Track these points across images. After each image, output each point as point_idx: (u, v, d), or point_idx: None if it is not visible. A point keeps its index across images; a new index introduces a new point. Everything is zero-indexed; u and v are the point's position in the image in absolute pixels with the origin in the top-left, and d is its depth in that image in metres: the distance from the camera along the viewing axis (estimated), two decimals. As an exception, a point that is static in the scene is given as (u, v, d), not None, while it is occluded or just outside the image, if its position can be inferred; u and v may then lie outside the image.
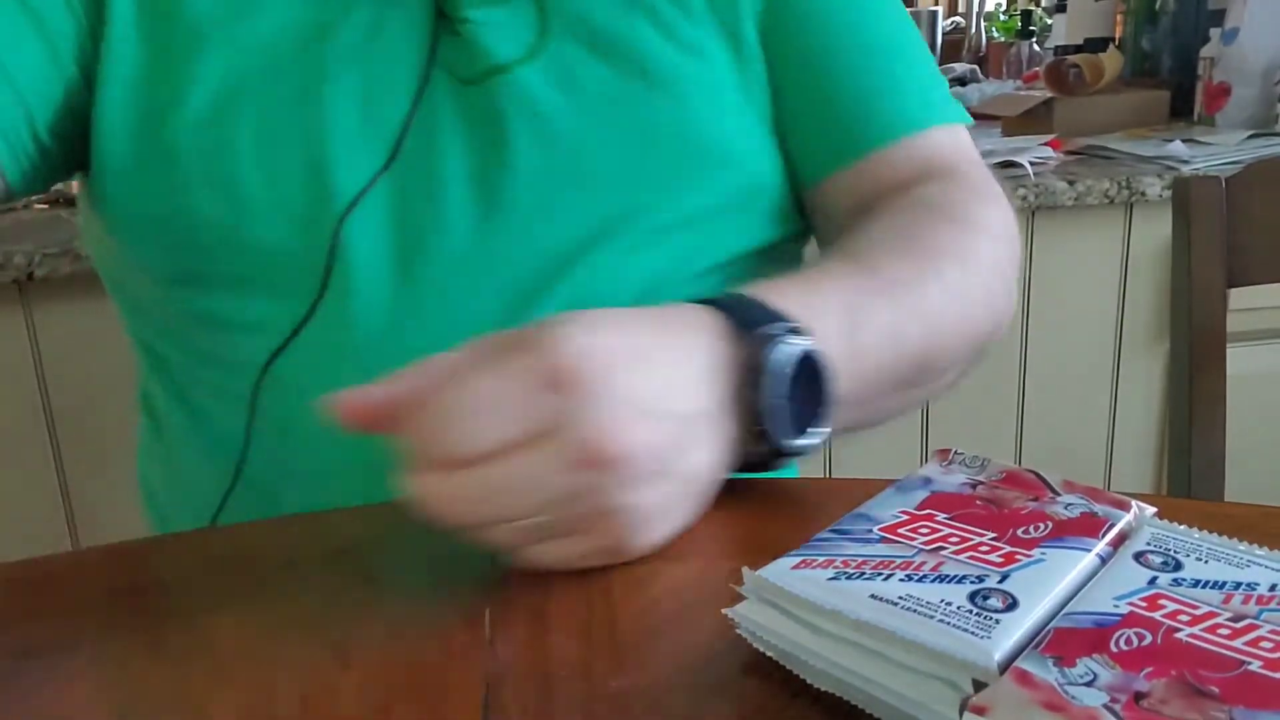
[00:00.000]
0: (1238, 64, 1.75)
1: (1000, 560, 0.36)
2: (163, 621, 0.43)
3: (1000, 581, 0.34)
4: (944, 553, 0.37)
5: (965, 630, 0.32)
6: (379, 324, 0.61)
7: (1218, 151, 1.56)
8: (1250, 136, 1.64)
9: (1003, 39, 2.53)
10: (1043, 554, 0.36)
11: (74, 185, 0.78)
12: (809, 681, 0.35)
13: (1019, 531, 0.38)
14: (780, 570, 0.37)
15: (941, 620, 0.32)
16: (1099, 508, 0.39)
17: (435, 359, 0.43)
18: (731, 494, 0.49)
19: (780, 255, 0.71)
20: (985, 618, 0.32)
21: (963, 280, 0.60)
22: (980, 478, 0.42)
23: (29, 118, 0.61)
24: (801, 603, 0.35)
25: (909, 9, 2.49)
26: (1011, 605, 0.33)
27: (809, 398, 0.48)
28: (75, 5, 0.62)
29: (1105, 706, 0.29)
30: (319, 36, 0.62)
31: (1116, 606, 0.33)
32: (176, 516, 0.71)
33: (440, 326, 0.58)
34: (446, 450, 0.40)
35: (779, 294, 0.50)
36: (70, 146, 0.64)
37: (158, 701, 0.38)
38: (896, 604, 0.34)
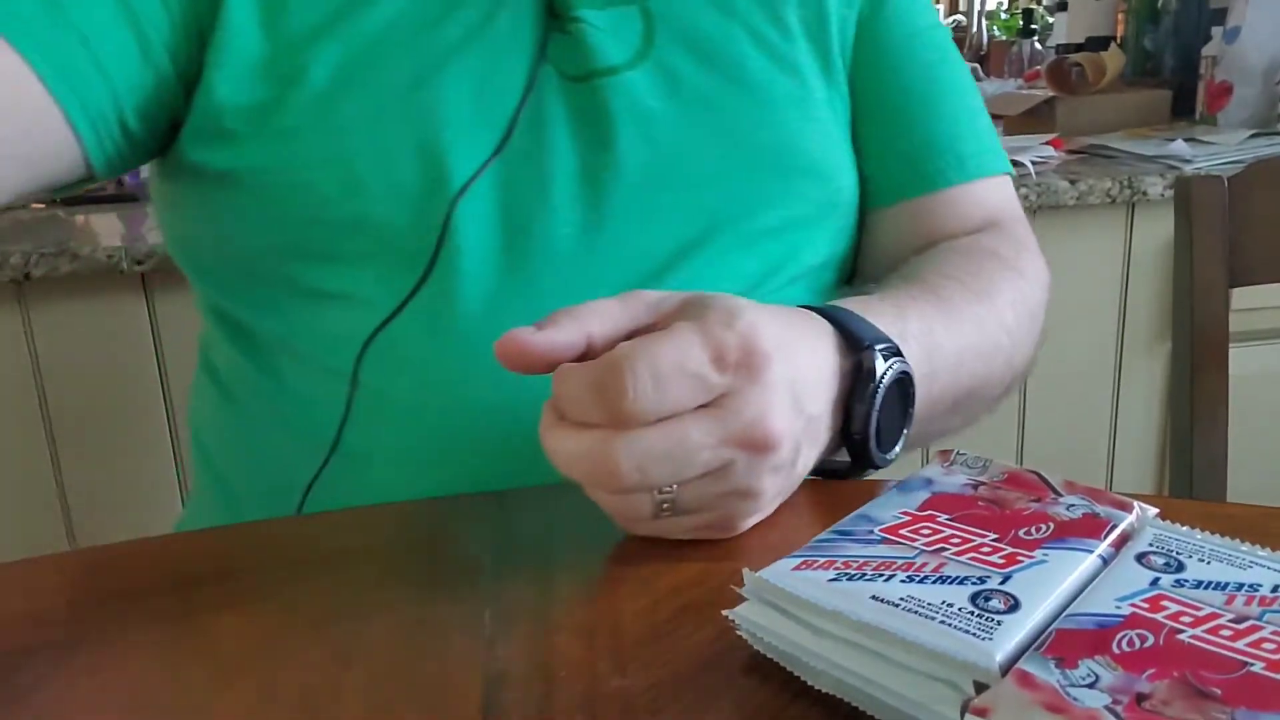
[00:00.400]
0: (1240, 63, 1.75)
1: (1002, 561, 0.36)
2: (163, 622, 0.43)
3: (1002, 583, 0.34)
4: (945, 554, 0.37)
5: (966, 631, 0.32)
6: (481, 307, 0.63)
7: (1220, 151, 1.55)
8: (1252, 136, 1.64)
9: (1004, 37, 2.53)
10: (1045, 555, 0.36)
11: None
12: (809, 682, 0.35)
13: (1021, 532, 0.38)
14: (781, 571, 0.37)
15: (943, 622, 0.32)
16: (1101, 509, 0.39)
17: (599, 305, 0.46)
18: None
19: (843, 268, 0.76)
20: (987, 619, 0.32)
21: (1016, 324, 0.67)
22: (982, 479, 0.42)
23: (118, 107, 0.63)
24: (802, 604, 0.35)
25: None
26: (1013, 607, 0.33)
27: (895, 414, 0.53)
28: (171, 2, 0.63)
29: (1107, 708, 0.29)
30: (431, 26, 0.65)
31: (1119, 607, 0.33)
32: (251, 496, 0.70)
33: (541, 314, 0.60)
34: (622, 410, 0.41)
35: (874, 313, 0.54)
36: (155, 135, 0.66)
37: (158, 703, 0.38)
38: (898, 605, 0.33)
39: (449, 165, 0.63)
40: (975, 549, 0.37)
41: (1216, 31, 1.82)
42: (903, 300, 0.60)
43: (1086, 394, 1.61)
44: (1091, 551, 0.36)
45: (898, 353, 0.52)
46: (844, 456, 0.52)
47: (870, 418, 0.50)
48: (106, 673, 0.40)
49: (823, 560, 0.37)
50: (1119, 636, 0.31)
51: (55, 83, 0.59)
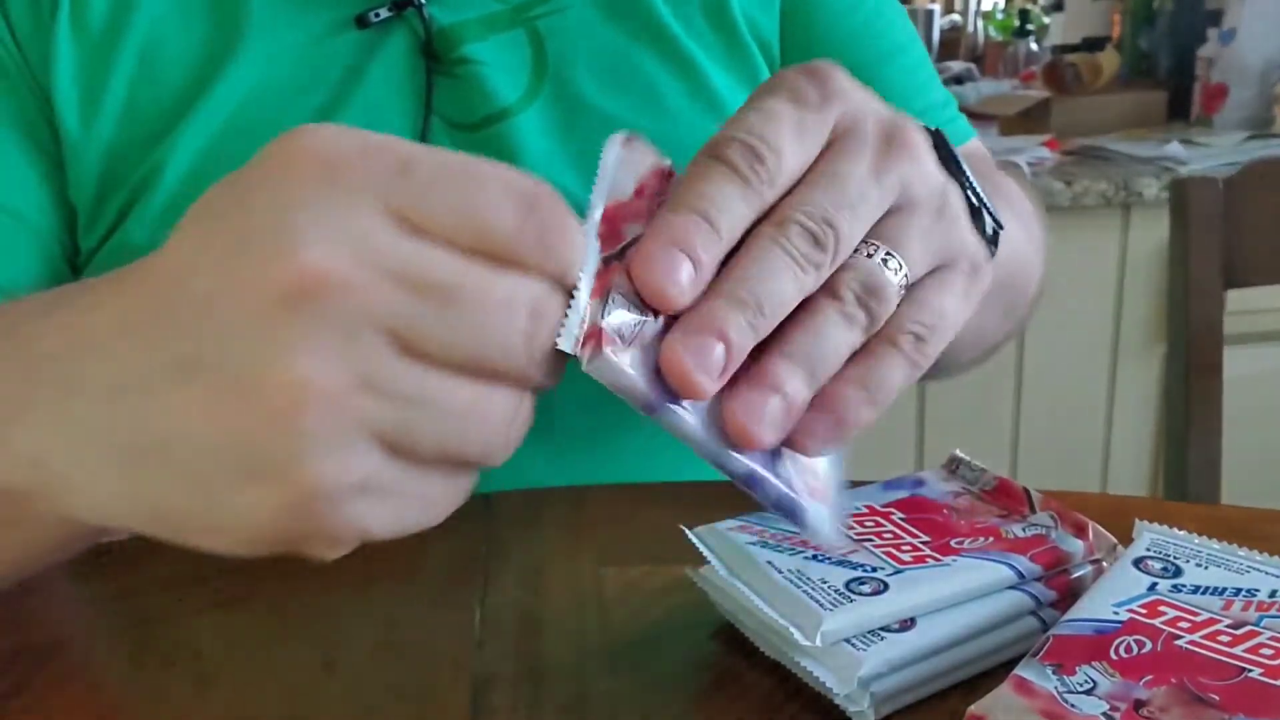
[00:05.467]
0: (1235, 65, 1.75)
1: (909, 560, 0.37)
2: (148, 626, 0.43)
3: (890, 574, 0.36)
4: (867, 545, 0.38)
5: (816, 601, 0.34)
6: None
7: (1215, 152, 1.56)
8: (1248, 138, 1.64)
9: (1000, 38, 2.53)
10: (954, 561, 0.37)
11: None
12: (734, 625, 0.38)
13: (953, 541, 0.38)
14: (715, 529, 0.40)
15: (805, 592, 0.35)
16: (1057, 532, 0.39)
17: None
18: (727, 495, 0.48)
19: None
20: (842, 596, 0.35)
21: (1029, 220, 0.61)
22: (973, 488, 0.43)
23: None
24: (711, 555, 0.38)
25: (905, 6, 2.51)
26: (879, 592, 0.35)
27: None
28: (41, 179, 0.55)
29: (1105, 715, 0.28)
30: (295, 94, 0.57)
31: (1116, 613, 0.33)
32: None
33: None
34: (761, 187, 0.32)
35: None
36: None
37: (142, 707, 0.37)
38: (781, 573, 0.36)
39: None
40: (895, 546, 0.38)
41: (1212, 33, 1.82)
42: None
43: (1081, 395, 1.61)
44: (1003, 563, 0.37)
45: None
46: None
47: (969, 180, 0.39)
48: (89, 676, 0.39)
49: (757, 527, 0.39)
50: (1117, 642, 0.31)
51: None
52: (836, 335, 0.32)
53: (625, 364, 0.30)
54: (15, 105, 0.55)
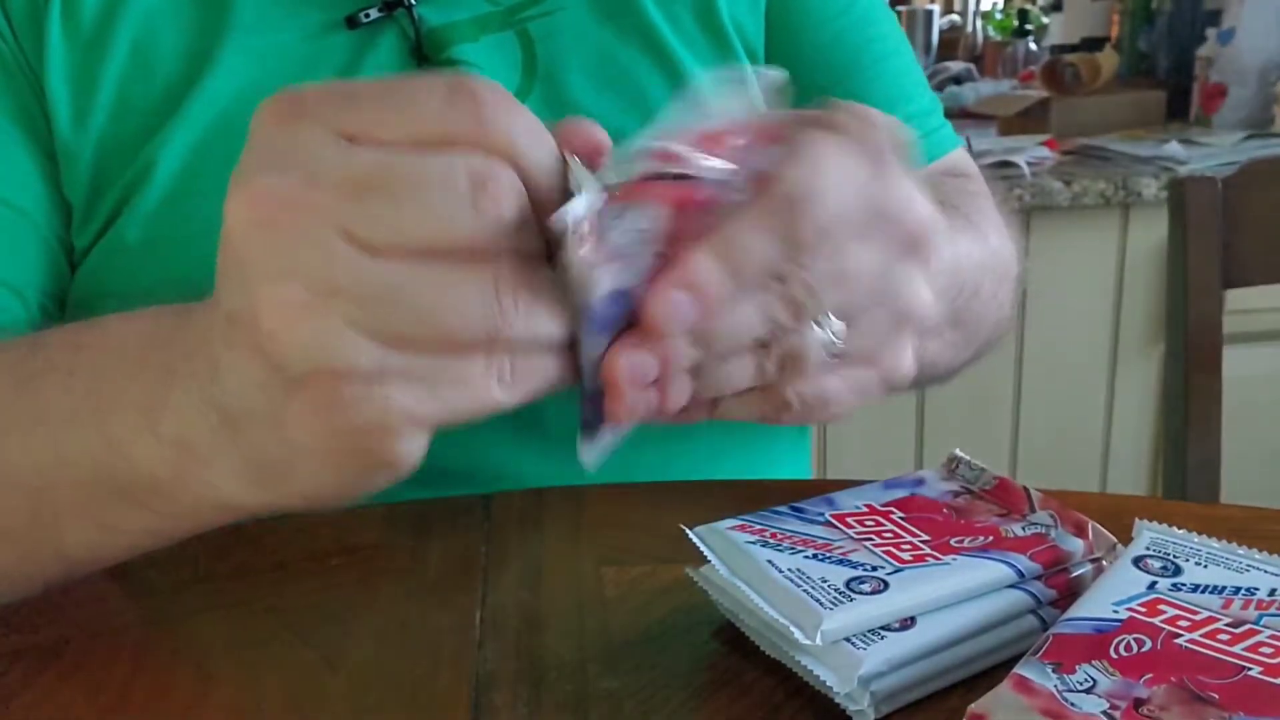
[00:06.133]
0: (1234, 64, 1.75)
1: (909, 559, 0.37)
2: (150, 625, 0.43)
3: (890, 573, 0.36)
4: (867, 544, 0.38)
5: (815, 599, 0.34)
6: None
7: (1214, 152, 1.56)
8: (1247, 137, 1.64)
9: (999, 38, 2.52)
10: (953, 560, 0.37)
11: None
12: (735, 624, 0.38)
13: (953, 540, 0.38)
14: (714, 528, 0.39)
15: (806, 591, 0.35)
16: (1056, 531, 0.39)
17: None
18: (727, 495, 0.48)
19: None
20: (843, 595, 0.35)
21: (999, 251, 0.60)
22: (972, 487, 0.43)
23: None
24: (712, 555, 0.38)
25: (904, 6, 2.51)
26: (879, 590, 0.35)
27: None
28: (40, 177, 0.55)
29: (1105, 713, 0.28)
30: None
31: (1116, 612, 0.33)
32: None
33: None
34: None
35: None
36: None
37: (144, 706, 0.37)
38: (781, 572, 0.36)
39: None
40: (895, 545, 0.38)
41: (1211, 33, 1.82)
42: None
43: (1081, 395, 1.61)
44: (1003, 563, 0.37)
45: None
46: None
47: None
48: (91, 676, 0.39)
49: (757, 527, 0.39)
50: (1116, 641, 0.31)
51: None
52: (741, 375, 0.35)
53: (600, 276, 0.31)
54: (15, 99, 0.55)
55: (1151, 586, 0.34)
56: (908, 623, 0.34)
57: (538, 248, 0.32)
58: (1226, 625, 0.32)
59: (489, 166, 0.30)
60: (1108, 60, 1.87)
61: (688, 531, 0.39)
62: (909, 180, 0.36)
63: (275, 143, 0.31)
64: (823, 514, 0.40)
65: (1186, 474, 0.95)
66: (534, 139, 0.31)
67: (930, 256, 0.36)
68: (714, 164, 0.32)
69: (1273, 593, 0.34)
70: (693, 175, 0.32)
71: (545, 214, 0.31)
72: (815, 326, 0.34)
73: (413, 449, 0.32)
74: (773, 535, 0.39)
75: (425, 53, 0.58)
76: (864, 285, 0.35)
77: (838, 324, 0.35)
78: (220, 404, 0.33)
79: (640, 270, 0.31)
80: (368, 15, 0.57)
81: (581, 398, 0.33)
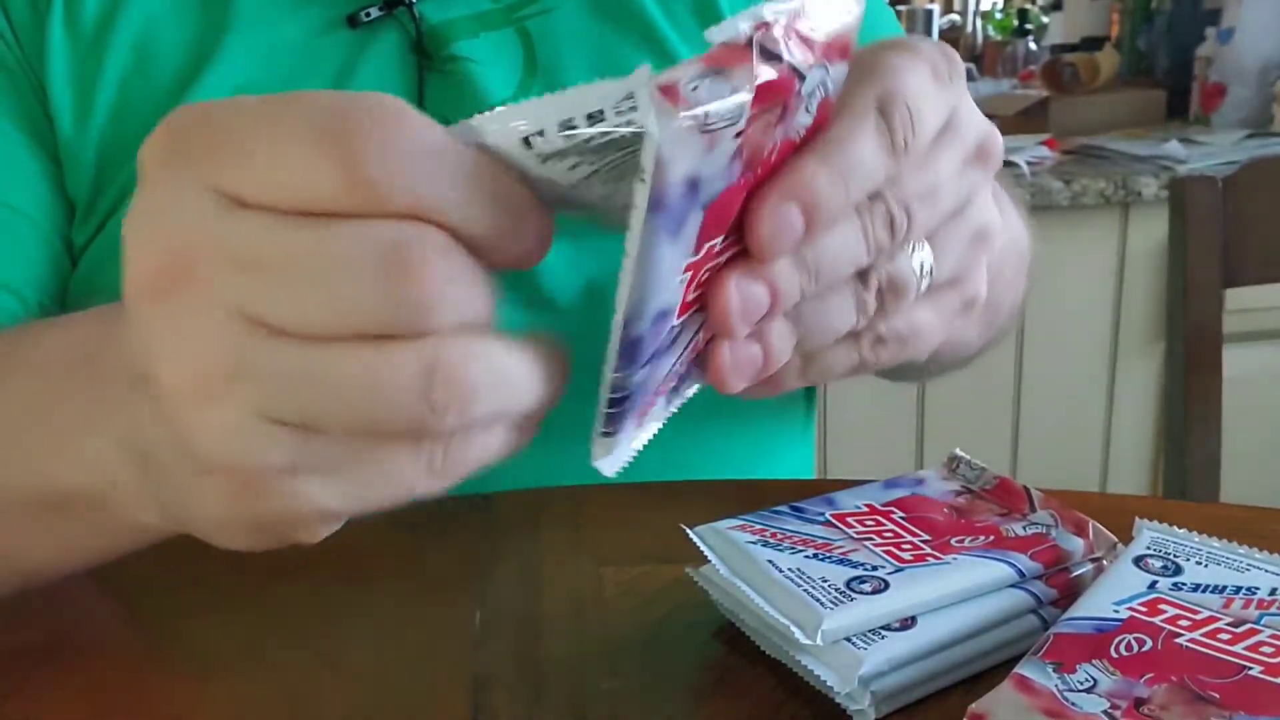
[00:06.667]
0: (1234, 64, 1.75)
1: (910, 559, 0.37)
2: (147, 625, 0.43)
3: (890, 573, 0.36)
4: (868, 544, 0.38)
5: (816, 599, 0.34)
6: None
7: (1214, 151, 1.56)
8: (1246, 136, 1.64)
9: (999, 37, 2.53)
10: (954, 559, 0.37)
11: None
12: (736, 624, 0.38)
13: (953, 540, 0.38)
14: (715, 528, 0.39)
15: (806, 591, 0.35)
16: (1057, 531, 0.39)
17: None
18: (727, 495, 0.48)
19: None
20: (843, 595, 0.34)
21: (1017, 233, 0.58)
22: (973, 486, 0.43)
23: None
24: (712, 554, 0.38)
25: (904, 6, 2.51)
26: (879, 590, 0.35)
27: None
28: (42, 175, 0.55)
29: (1105, 713, 0.28)
30: (287, 90, 0.58)
31: (1116, 611, 0.33)
32: None
33: None
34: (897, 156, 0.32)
35: None
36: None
37: (141, 706, 0.37)
38: (782, 572, 0.36)
39: None
40: (896, 545, 0.38)
41: (1210, 32, 1.82)
42: None
43: (1081, 394, 1.61)
44: (1005, 562, 0.37)
45: None
46: None
47: None
48: (87, 676, 0.39)
49: (758, 526, 0.39)
50: (1117, 641, 0.31)
51: None
52: (842, 314, 0.33)
53: (682, 151, 0.24)
54: (16, 100, 0.55)
55: (1152, 586, 0.34)
56: (908, 622, 0.34)
57: (483, 307, 0.27)
58: (1227, 625, 0.32)
59: (402, 234, 0.25)
60: (1107, 60, 1.87)
61: (688, 531, 0.39)
62: (965, 89, 0.35)
63: (158, 193, 0.27)
64: (823, 514, 0.40)
65: (1187, 473, 0.95)
66: (451, 172, 0.26)
67: (994, 167, 0.35)
68: (805, 57, 0.28)
69: (1273, 592, 0.34)
70: (782, 60, 0.27)
71: (493, 261, 0.26)
72: (911, 249, 0.33)
73: (325, 532, 0.30)
74: (773, 535, 0.39)
75: (426, 49, 0.58)
76: (949, 199, 0.34)
77: (926, 246, 0.34)
78: (137, 446, 0.30)
79: (719, 168, 0.26)
80: (369, 14, 0.57)
81: (601, 396, 0.30)
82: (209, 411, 0.26)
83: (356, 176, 0.24)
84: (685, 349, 0.31)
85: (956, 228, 0.35)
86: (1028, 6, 2.52)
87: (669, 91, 0.24)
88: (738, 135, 0.26)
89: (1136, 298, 1.56)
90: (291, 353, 0.25)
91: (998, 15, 2.65)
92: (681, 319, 0.29)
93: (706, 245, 0.27)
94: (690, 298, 0.29)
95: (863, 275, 0.33)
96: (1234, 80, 1.75)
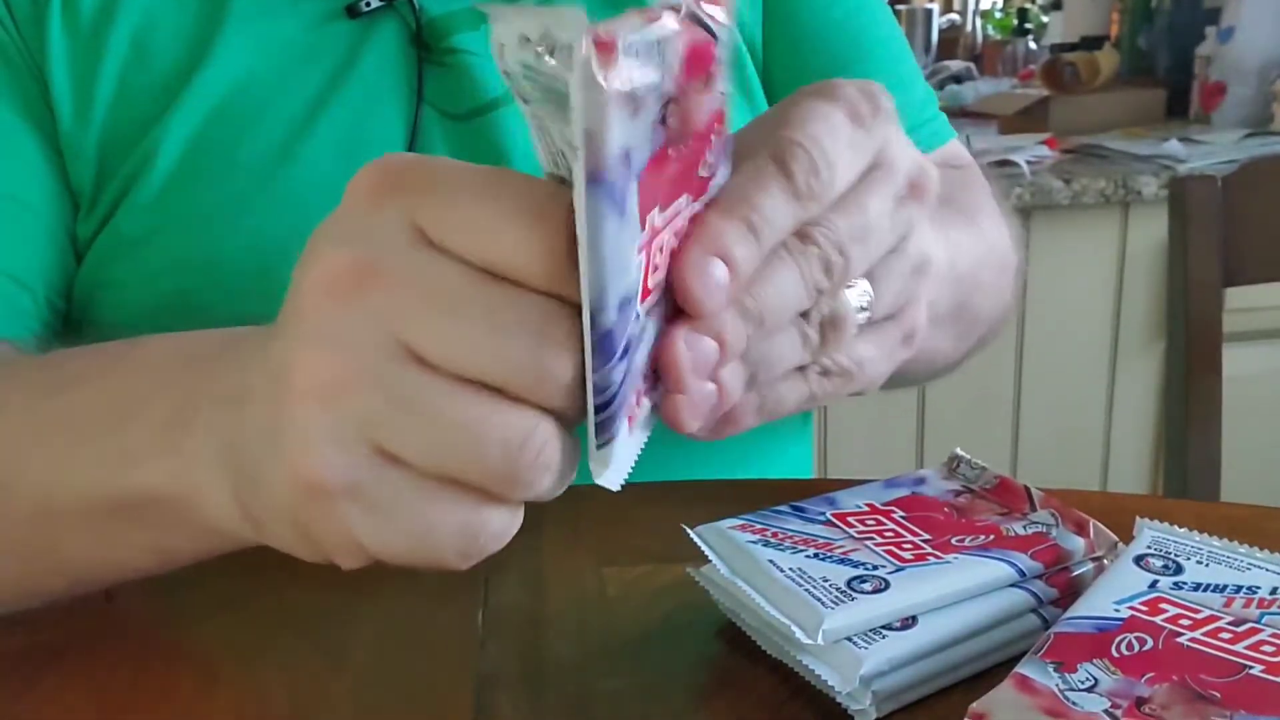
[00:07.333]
0: (1234, 63, 1.75)
1: (910, 558, 0.37)
2: (152, 624, 0.43)
3: (891, 572, 0.36)
4: (868, 543, 0.38)
5: (816, 599, 0.34)
6: None
7: (1214, 150, 1.56)
8: (1246, 135, 1.64)
9: (998, 37, 2.52)
10: (955, 559, 0.37)
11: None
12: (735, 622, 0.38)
13: (954, 539, 0.38)
14: (716, 528, 0.39)
15: (807, 590, 0.35)
16: (1057, 530, 0.39)
17: None
18: (727, 495, 0.48)
19: None
20: (844, 594, 0.35)
21: (997, 243, 0.59)
22: (973, 486, 0.43)
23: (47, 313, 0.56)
24: (712, 554, 0.38)
25: (904, 5, 2.50)
26: (880, 589, 0.35)
27: None
28: (45, 168, 0.55)
29: (1106, 712, 0.28)
30: (287, 82, 0.57)
31: (1117, 611, 0.33)
32: None
33: None
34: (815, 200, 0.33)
35: None
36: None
37: (148, 706, 0.37)
38: (783, 572, 0.36)
39: None
40: (896, 544, 0.38)
41: (1211, 31, 1.82)
42: None
43: (1081, 394, 1.61)
44: (1006, 562, 0.37)
45: None
46: None
47: None
48: (96, 675, 0.39)
49: (758, 526, 0.39)
50: (1118, 640, 0.31)
51: None
52: (790, 350, 0.34)
53: (617, 110, 0.25)
54: (20, 92, 0.55)
55: (1153, 585, 0.34)
56: (909, 622, 0.34)
57: (576, 412, 0.30)
58: (1228, 624, 0.32)
59: (561, 311, 0.28)
60: (1107, 59, 1.87)
61: (689, 531, 0.39)
62: (895, 127, 0.35)
63: (362, 211, 0.30)
64: (824, 513, 0.41)
65: (1187, 472, 0.95)
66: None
67: (929, 200, 0.36)
68: (718, 12, 0.29)
69: (1274, 591, 0.34)
70: (700, 20, 0.28)
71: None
72: (848, 287, 0.34)
73: (352, 564, 0.32)
74: (774, 535, 0.39)
75: (425, 41, 0.58)
76: (883, 237, 0.35)
77: (864, 282, 0.35)
78: (231, 438, 0.32)
79: (644, 135, 0.27)
80: (368, 4, 0.57)
81: (588, 405, 0.30)
82: (322, 411, 0.29)
83: (554, 261, 0.28)
84: (654, 344, 0.31)
85: (894, 263, 0.36)
86: (1027, 6, 2.52)
87: (605, 48, 0.24)
88: (664, 102, 0.27)
89: (1136, 297, 1.56)
90: (423, 381, 0.28)
91: (997, 14, 2.64)
92: (644, 305, 0.29)
93: (648, 222, 0.28)
94: (650, 284, 0.29)
95: (804, 312, 0.34)
96: (1234, 79, 1.75)
